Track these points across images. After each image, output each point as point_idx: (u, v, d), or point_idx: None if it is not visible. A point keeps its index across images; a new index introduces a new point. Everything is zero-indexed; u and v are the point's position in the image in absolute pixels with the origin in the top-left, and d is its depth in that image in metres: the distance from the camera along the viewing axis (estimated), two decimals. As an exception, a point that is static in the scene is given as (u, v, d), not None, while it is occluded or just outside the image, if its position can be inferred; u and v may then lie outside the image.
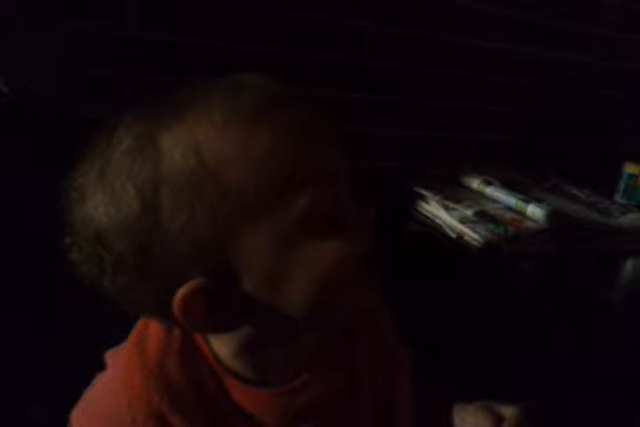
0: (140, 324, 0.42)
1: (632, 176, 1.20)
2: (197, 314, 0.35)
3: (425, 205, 1.01)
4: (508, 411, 0.51)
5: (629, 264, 0.99)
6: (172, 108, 0.35)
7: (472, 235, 0.89)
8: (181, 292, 0.34)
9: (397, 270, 0.70)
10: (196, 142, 0.33)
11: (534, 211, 0.96)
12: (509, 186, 1.06)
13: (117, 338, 0.43)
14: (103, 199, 0.34)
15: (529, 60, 1.28)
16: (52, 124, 0.70)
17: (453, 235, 0.92)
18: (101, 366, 0.42)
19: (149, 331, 0.41)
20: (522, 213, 0.97)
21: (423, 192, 1.03)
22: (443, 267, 0.89)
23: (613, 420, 0.77)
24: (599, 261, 0.95)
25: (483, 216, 0.94)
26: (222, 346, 0.40)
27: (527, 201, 0.98)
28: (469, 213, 0.95)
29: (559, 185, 1.19)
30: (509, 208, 1.00)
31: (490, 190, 1.06)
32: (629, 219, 1.05)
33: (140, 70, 0.90)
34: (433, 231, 0.96)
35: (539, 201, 0.99)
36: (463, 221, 0.92)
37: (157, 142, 0.33)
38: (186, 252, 0.33)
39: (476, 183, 1.09)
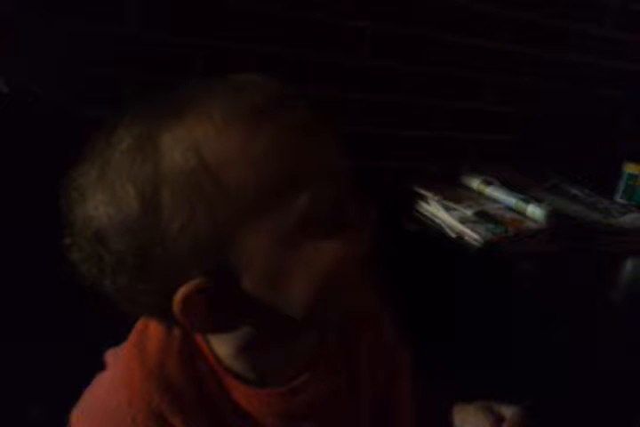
0: (139, 324, 0.42)
1: (632, 176, 1.20)
2: (197, 314, 0.35)
3: (425, 205, 1.01)
4: (508, 411, 0.51)
5: (629, 264, 0.99)
6: (172, 108, 0.35)
7: (472, 235, 0.89)
8: (181, 292, 0.34)
9: (397, 270, 0.70)
10: (196, 142, 0.33)
11: (534, 211, 0.96)
12: (509, 186, 1.06)
13: (117, 338, 0.43)
14: (103, 199, 0.34)
15: (529, 60, 1.28)
16: (52, 124, 0.69)
17: (453, 235, 0.92)
18: (101, 366, 0.42)
19: (149, 331, 0.41)
20: (522, 213, 0.97)
21: (423, 192, 1.03)
22: (443, 267, 0.89)
23: (613, 420, 0.77)
24: (599, 261, 0.95)
25: (483, 216, 0.94)
26: (222, 346, 0.40)
27: (527, 201, 0.98)
28: (469, 213, 0.95)
29: (559, 185, 1.19)
30: (509, 208, 1.00)
31: (490, 190, 1.06)
32: (629, 219, 1.05)
33: (140, 70, 0.89)
34: (433, 231, 0.96)
35: (539, 201, 0.99)
36: (463, 221, 0.92)
37: (157, 142, 0.33)
38: (186, 252, 0.33)
39: (475, 183, 1.09)
